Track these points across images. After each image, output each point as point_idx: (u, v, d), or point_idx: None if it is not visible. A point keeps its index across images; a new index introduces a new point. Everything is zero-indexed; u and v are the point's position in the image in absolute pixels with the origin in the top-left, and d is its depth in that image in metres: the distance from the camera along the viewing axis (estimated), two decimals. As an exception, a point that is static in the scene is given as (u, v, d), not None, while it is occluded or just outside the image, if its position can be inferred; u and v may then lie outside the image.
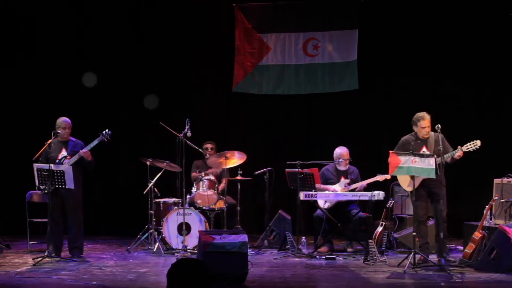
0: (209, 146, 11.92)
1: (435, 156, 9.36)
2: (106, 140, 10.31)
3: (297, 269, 9.55)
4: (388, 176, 10.42)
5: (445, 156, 9.53)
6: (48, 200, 10.16)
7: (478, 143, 9.53)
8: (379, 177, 10.74)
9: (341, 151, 11.13)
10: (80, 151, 10.17)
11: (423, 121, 9.76)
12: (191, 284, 4.41)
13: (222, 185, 11.51)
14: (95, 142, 10.23)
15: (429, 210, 10.11)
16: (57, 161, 10.17)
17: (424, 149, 9.73)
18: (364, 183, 10.88)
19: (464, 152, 9.59)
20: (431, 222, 10.35)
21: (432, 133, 9.79)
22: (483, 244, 9.56)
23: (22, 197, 11.38)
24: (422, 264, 9.42)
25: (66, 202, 10.25)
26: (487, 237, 9.61)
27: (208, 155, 11.77)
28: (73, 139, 10.44)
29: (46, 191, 10.00)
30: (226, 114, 13.45)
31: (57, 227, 10.23)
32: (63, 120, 10.39)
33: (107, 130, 10.28)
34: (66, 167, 9.95)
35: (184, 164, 10.78)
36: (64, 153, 10.30)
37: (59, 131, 10.29)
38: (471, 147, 9.54)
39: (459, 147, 9.57)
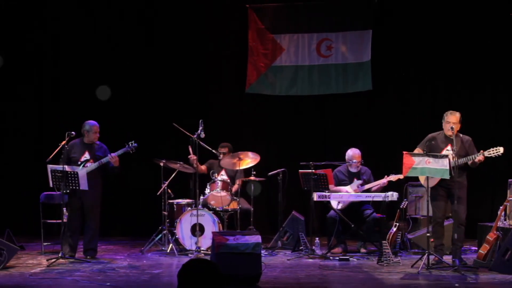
0: (222, 150, 11.85)
1: (453, 156, 9.30)
2: (131, 152, 10.37)
3: (311, 270, 9.53)
4: (400, 176, 10.39)
5: (464, 159, 9.45)
6: (62, 201, 10.20)
7: (501, 150, 9.37)
8: (392, 177, 10.73)
9: (353, 153, 11.11)
10: (109, 155, 10.21)
11: (451, 116, 9.62)
12: (202, 284, 4.39)
13: (236, 187, 11.51)
14: (120, 152, 10.28)
15: (448, 211, 10.07)
16: (79, 162, 10.21)
17: (448, 147, 9.63)
18: (381, 184, 10.84)
19: (486, 157, 9.50)
20: (447, 222, 10.30)
21: (461, 135, 9.69)
22: (497, 245, 9.52)
23: (37, 199, 11.42)
24: (436, 265, 9.40)
25: (85, 204, 10.30)
26: (501, 238, 9.57)
27: (221, 156, 11.74)
28: (98, 142, 10.49)
29: (65, 191, 10.05)
30: (239, 115, 13.44)
31: (73, 228, 10.26)
32: (93, 124, 10.44)
33: (133, 142, 10.33)
34: (80, 169, 9.99)
35: (197, 165, 10.79)
36: (87, 155, 10.33)
37: (87, 134, 10.35)
38: (493, 153, 9.42)
39: (481, 151, 9.47)
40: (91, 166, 10.20)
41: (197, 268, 4.44)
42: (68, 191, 10.00)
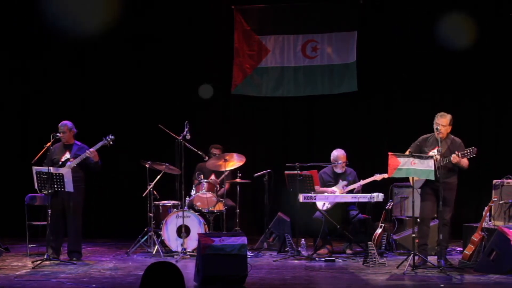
0: (215, 152, 11.88)
1: (437, 157, 9.33)
2: (108, 145, 10.35)
3: (297, 271, 9.55)
4: (386, 175, 10.41)
5: (446, 159, 9.47)
6: (47, 203, 10.17)
7: (474, 150, 9.44)
8: (377, 177, 10.75)
9: (338, 154, 11.12)
10: (87, 151, 10.20)
11: (440, 118, 9.64)
12: (165, 286, 4.45)
13: (223, 190, 11.46)
14: (98, 145, 10.27)
15: (435, 211, 10.11)
16: (60, 163, 10.20)
17: (436, 148, 9.65)
18: (362, 182, 10.89)
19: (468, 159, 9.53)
20: (433, 223, 10.33)
21: (453, 136, 9.73)
22: (482, 246, 9.56)
23: (22, 200, 11.36)
24: (422, 266, 9.43)
25: (67, 205, 10.27)
26: (486, 238, 9.61)
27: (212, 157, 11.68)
28: (78, 143, 10.49)
29: (47, 193, 10.03)
30: (225, 116, 13.43)
31: (56, 230, 10.24)
32: (60, 124, 10.42)
33: (110, 135, 10.31)
34: (65, 170, 9.97)
35: (183, 167, 10.79)
36: (67, 155, 10.33)
37: (62, 135, 10.33)
38: (468, 153, 9.49)
39: (456, 152, 9.52)
40: (71, 163, 10.18)
41: (161, 271, 4.50)
42: (50, 191, 9.97)
